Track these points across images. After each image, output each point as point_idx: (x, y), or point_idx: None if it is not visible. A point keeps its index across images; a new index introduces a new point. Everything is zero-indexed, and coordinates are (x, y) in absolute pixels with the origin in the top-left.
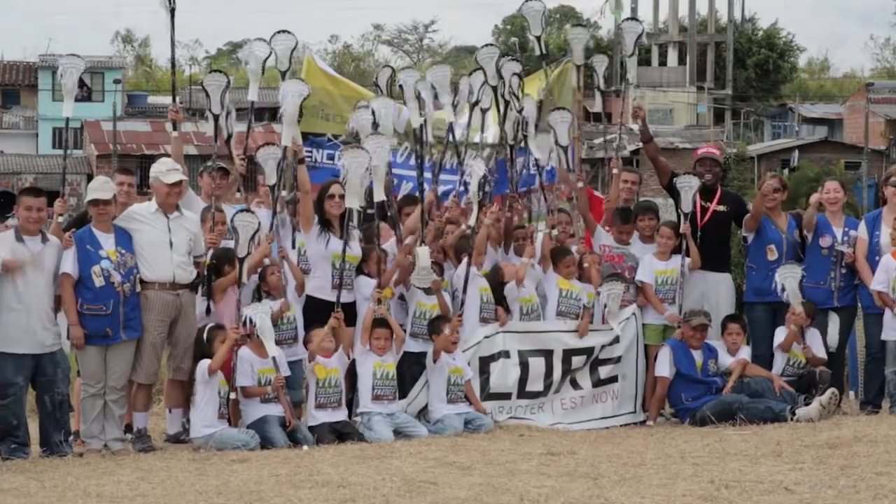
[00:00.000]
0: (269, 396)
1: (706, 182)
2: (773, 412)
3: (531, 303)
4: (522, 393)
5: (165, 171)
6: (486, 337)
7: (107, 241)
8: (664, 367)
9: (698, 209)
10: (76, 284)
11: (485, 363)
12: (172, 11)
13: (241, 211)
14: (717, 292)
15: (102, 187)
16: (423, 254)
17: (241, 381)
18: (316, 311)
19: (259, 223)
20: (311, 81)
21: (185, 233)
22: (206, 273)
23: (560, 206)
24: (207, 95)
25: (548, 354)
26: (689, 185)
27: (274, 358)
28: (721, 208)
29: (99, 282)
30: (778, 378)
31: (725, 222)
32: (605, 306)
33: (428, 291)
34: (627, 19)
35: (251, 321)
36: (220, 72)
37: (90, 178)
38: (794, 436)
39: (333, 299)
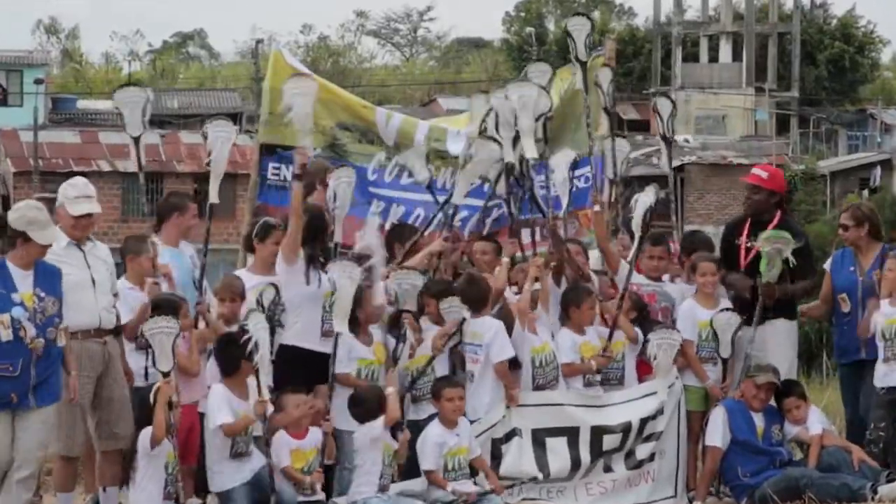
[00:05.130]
0: (242, 451)
1: (746, 213)
2: (850, 490)
3: (545, 353)
4: (543, 479)
5: (73, 196)
6: (503, 416)
7: (24, 282)
8: (717, 434)
9: (743, 249)
10: None
11: (496, 446)
12: None
13: (155, 315)
14: (772, 342)
15: (48, 227)
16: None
17: (218, 418)
18: (295, 365)
19: (178, 329)
20: (280, 81)
21: (104, 266)
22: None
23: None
24: (121, 116)
25: (571, 434)
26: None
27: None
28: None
29: (6, 335)
30: (858, 450)
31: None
32: (655, 358)
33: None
34: (575, 14)
35: (255, 346)
36: (136, 84)
37: (5, 199)
38: None
39: (321, 349)
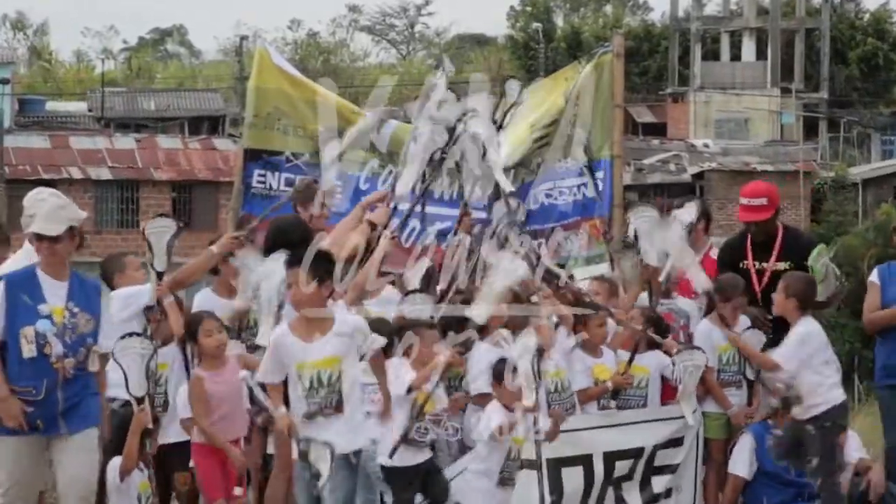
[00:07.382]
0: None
1: (754, 238)
2: None
3: (559, 378)
4: None
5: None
6: None
7: (55, 293)
8: (743, 463)
9: (753, 273)
10: (1, 348)
11: None
12: None
13: (157, 216)
14: None
15: (52, 215)
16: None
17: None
18: None
19: (176, 228)
20: (265, 81)
21: None
22: None
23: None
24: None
25: (586, 462)
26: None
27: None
28: (781, 266)
29: (28, 351)
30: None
31: None
32: (679, 381)
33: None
34: (642, 205)
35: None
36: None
37: None
38: None
39: None
